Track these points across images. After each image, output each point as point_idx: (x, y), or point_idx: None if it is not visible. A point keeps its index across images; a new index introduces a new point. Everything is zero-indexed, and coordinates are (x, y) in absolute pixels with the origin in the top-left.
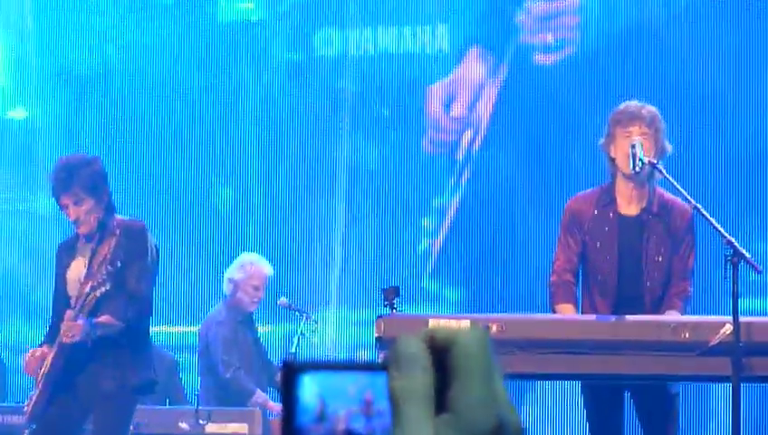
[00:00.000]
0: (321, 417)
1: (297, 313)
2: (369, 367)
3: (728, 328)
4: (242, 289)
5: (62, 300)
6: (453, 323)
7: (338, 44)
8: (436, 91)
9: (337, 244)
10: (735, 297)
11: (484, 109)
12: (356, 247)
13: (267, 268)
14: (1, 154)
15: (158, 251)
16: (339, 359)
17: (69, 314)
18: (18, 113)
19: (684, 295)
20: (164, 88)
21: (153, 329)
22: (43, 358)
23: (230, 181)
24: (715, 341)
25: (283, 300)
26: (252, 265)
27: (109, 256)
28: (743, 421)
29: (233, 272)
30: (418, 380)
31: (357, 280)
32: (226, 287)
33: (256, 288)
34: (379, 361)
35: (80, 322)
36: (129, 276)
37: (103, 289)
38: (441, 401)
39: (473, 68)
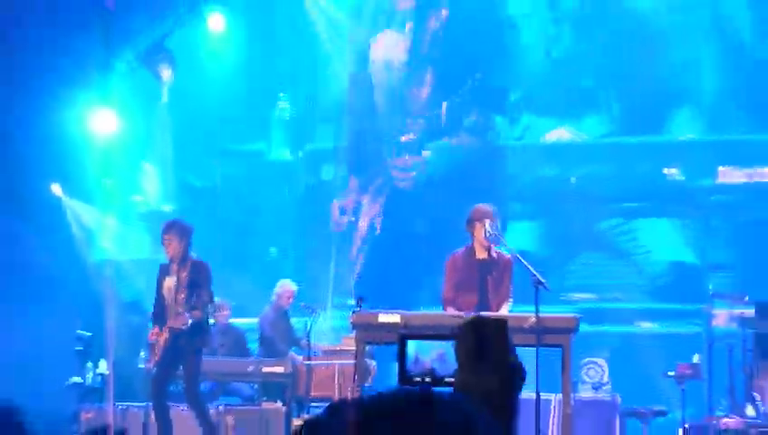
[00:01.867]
0: (416, 361)
1: (310, 310)
2: (441, 337)
3: (533, 319)
4: (282, 298)
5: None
6: (388, 317)
7: None
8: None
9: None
10: (537, 304)
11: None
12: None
13: (294, 286)
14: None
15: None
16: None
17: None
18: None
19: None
20: None
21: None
22: (157, 335)
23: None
24: (527, 325)
25: (303, 303)
26: (285, 285)
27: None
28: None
29: (276, 289)
30: (468, 343)
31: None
32: (273, 296)
33: (288, 297)
34: (449, 333)
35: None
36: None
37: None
38: (481, 355)
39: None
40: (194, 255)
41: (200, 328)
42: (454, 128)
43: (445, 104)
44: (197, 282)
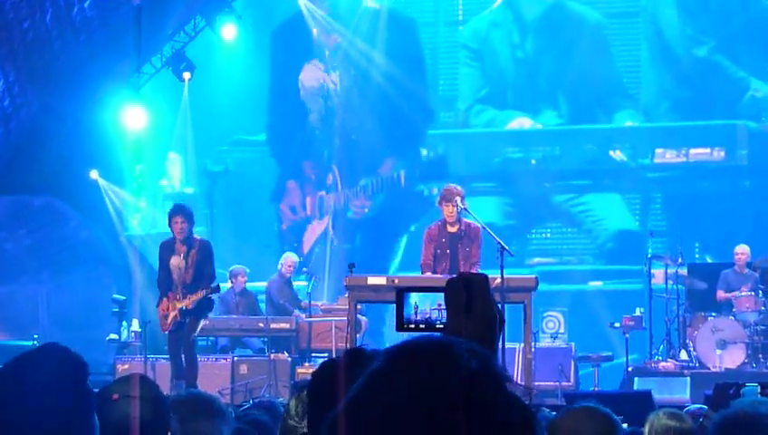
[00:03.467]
0: (416, 311)
1: (310, 275)
2: (438, 289)
3: (498, 279)
4: (284, 267)
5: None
6: (376, 280)
7: None
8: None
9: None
10: (501, 267)
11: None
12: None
13: (295, 258)
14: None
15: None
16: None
17: (187, 297)
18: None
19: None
20: None
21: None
22: (167, 307)
23: None
24: (493, 285)
25: (304, 269)
26: (288, 257)
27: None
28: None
29: (282, 260)
30: (457, 296)
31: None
32: (279, 265)
33: (290, 266)
34: (444, 286)
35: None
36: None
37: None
38: (468, 306)
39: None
40: (197, 236)
41: (204, 302)
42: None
43: (403, 172)
44: (203, 261)
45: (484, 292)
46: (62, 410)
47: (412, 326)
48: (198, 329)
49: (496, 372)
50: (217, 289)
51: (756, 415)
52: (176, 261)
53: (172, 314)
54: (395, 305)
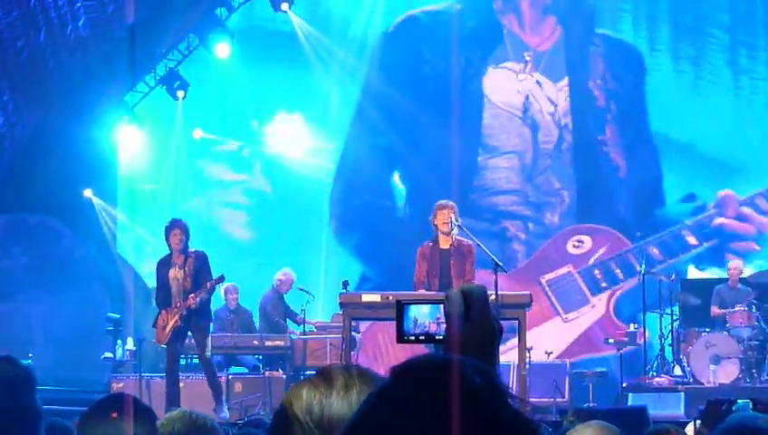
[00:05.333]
0: (416, 324)
1: (305, 293)
2: (438, 301)
3: (492, 296)
4: (283, 284)
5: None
6: (370, 297)
7: None
8: None
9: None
10: (496, 283)
11: None
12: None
13: (293, 275)
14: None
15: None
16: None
17: (191, 296)
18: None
19: None
20: None
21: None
22: (167, 318)
23: None
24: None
25: (299, 287)
26: (287, 274)
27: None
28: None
29: (278, 275)
30: (457, 307)
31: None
32: (274, 282)
33: (288, 283)
34: (443, 297)
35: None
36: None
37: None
38: (467, 317)
39: None
40: (192, 248)
41: (205, 308)
42: None
43: None
44: (200, 269)
45: (482, 302)
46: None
47: (412, 338)
48: (209, 345)
49: (501, 389)
50: (221, 279)
51: (758, 428)
52: (174, 273)
53: (171, 323)
54: (395, 318)
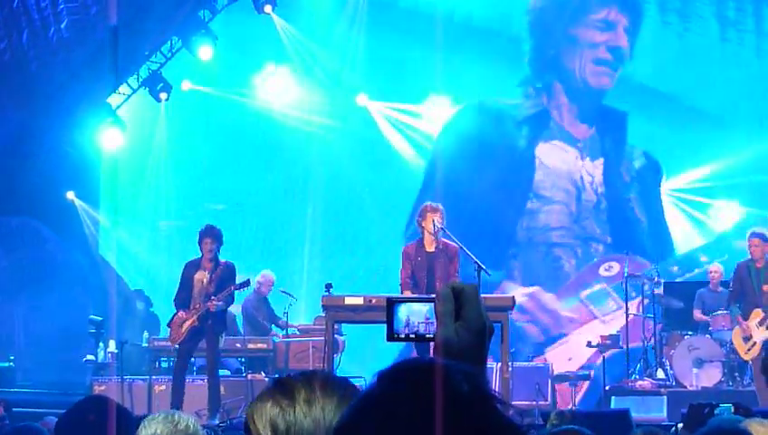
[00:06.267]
0: (407, 324)
1: (288, 295)
2: (428, 300)
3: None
4: (263, 286)
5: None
6: (353, 299)
7: None
8: None
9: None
10: (478, 285)
11: None
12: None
13: (273, 276)
14: None
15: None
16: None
17: (213, 298)
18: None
19: None
20: None
21: None
22: (184, 318)
23: None
24: None
25: (282, 289)
26: (267, 275)
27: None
28: None
29: (259, 278)
30: (448, 305)
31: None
32: (255, 284)
33: (269, 285)
34: (433, 297)
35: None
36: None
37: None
38: (458, 316)
39: None
40: (222, 259)
41: (223, 316)
42: None
43: None
44: (226, 279)
45: (474, 301)
46: None
47: (402, 337)
48: (221, 344)
49: (488, 395)
50: (247, 283)
51: (738, 431)
52: (200, 275)
53: (189, 322)
54: (385, 318)
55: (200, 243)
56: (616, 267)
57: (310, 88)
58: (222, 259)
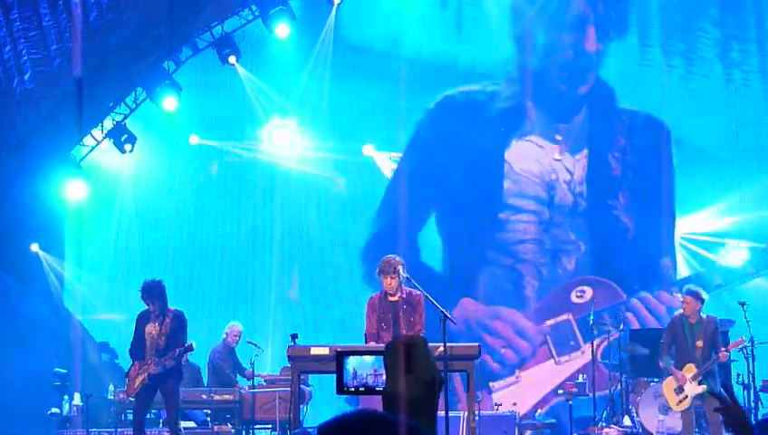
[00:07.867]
0: (355, 376)
1: (254, 345)
2: (377, 352)
3: (441, 348)
4: (230, 336)
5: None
6: (319, 350)
7: None
8: None
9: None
10: (444, 335)
11: None
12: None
13: (240, 327)
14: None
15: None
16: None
17: (162, 359)
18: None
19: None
20: None
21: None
22: (137, 371)
23: None
24: (436, 353)
25: (248, 340)
26: (234, 326)
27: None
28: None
29: (226, 329)
30: (400, 358)
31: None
32: (224, 334)
33: (236, 335)
34: (383, 349)
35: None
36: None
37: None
38: (408, 368)
39: None
40: (171, 308)
41: (176, 369)
42: None
43: None
44: (177, 330)
45: (423, 354)
46: None
47: (352, 390)
48: (178, 401)
49: None
50: (191, 348)
51: None
52: (150, 328)
53: (140, 378)
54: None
55: (145, 303)
56: (588, 293)
57: (280, 137)
58: (171, 307)
